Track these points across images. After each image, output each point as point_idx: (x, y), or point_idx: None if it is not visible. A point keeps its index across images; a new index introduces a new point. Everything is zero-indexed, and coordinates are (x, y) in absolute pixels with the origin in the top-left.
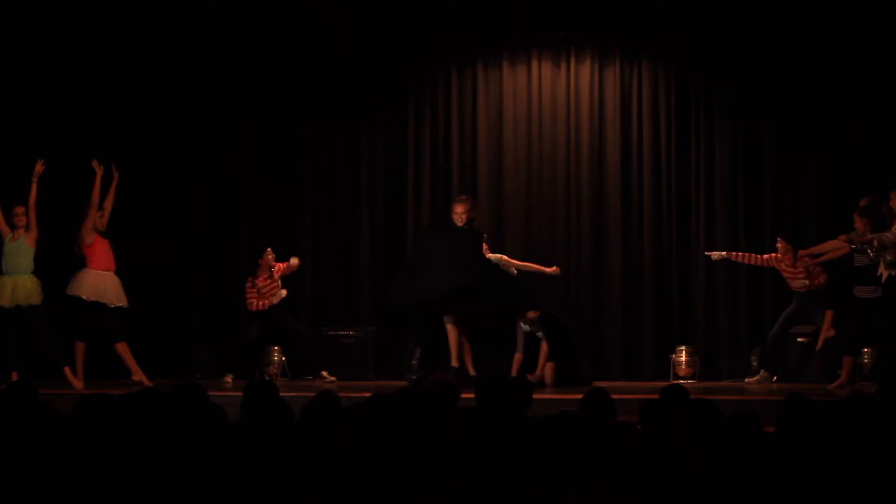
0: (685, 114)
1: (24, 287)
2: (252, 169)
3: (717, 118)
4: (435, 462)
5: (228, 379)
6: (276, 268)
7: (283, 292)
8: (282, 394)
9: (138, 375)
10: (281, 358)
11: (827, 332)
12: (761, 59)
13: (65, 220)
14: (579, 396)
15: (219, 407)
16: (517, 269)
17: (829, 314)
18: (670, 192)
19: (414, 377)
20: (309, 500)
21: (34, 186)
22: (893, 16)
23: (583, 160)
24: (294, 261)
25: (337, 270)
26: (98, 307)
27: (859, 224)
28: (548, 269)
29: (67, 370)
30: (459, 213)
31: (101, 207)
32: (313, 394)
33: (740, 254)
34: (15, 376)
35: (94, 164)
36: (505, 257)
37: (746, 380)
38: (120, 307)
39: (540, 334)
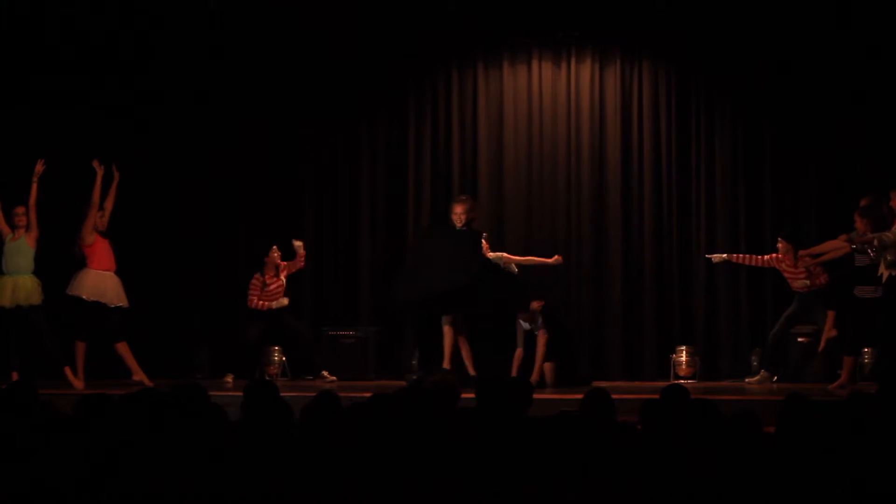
0: (685, 114)
1: (24, 287)
2: (252, 169)
3: (718, 118)
4: (435, 462)
5: (229, 379)
6: (283, 266)
7: (285, 301)
8: (282, 394)
9: (139, 375)
10: (281, 358)
11: (829, 332)
12: (761, 59)
13: (65, 220)
14: (579, 396)
15: (219, 407)
16: (519, 266)
17: (830, 315)
18: (671, 192)
19: (414, 377)
20: (309, 500)
21: (34, 186)
22: (893, 16)
23: (583, 160)
24: (297, 243)
25: (337, 270)
26: (98, 307)
27: (860, 224)
28: (549, 260)
29: (68, 370)
30: (459, 213)
31: (101, 207)
32: (314, 394)
33: (741, 255)
34: (15, 376)
35: (95, 164)
36: (505, 255)
37: (747, 380)
38: (120, 307)
39: (540, 328)
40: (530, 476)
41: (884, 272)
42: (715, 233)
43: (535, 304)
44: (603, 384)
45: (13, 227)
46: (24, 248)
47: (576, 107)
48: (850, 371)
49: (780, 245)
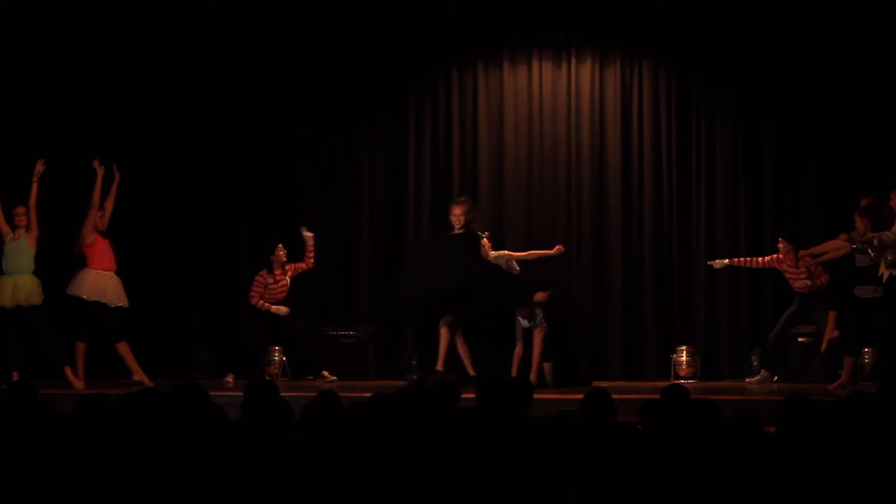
0: (686, 114)
1: (24, 287)
2: (252, 169)
3: (718, 118)
4: (435, 462)
5: (229, 379)
6: (289, 267)
7: (284, 309)
8: (282, 394)
9: (139, 375)
10: (282, 358)
11: (831, 333)
12: (761, 59)
13: (65, 220)
14: (579, 396)
15: (219, 407)
16: (522, 261)
17: (831, 315)
18: (671, 191)
19: (414, 377)
20: (309, 500)
21: (34, 186)
22: (893, 16)
23: (583, 160)
24: (307, 234)
25: (337, 270)
26: (99, 307)
27: (860, 224)
28: (551, 251)
29: (68, 370)
30: (457, 214)
31: (101, 207)
32: (314, 394)
33: (742, 259)
34: (15, 376)
35: (96, 164)
36: (507, 252)
37: (747, 380)
38: (120, 307)
39: (539, 325)
40: (530, 476)
41: (884, 272)
42: (715, 233)
43: (540, 296)
44: (603, 384)
45: (13, 227)
46: (24, 248)
47: (576, 107)
48: (850, 371)
49: (780, 245)
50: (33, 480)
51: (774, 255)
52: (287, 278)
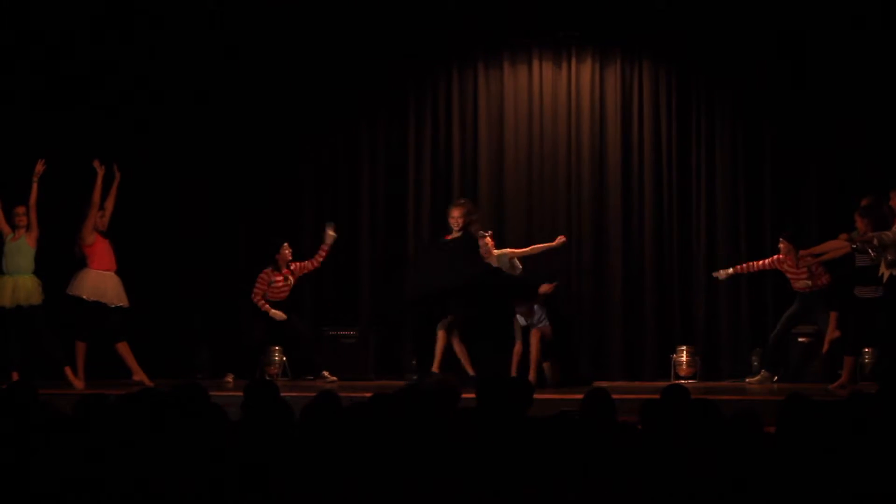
0: (686, 114)
1: (24, 287)
2: (252, 169)
3: (718, 118)
4: (435, 462)
5: (229, 378)
6: (295, 266)
7: (282, 315)
8: (282, 394)
9: (139, 375)
10: (282, 358)
11: (832, 333)
12: (761, 59)
13: (65, 220)
14: (579, 396)
15: (219, 407)
16: (525, 257)
17: (832, 316)
18: (671, 191)
19: (413, 377)
20: (309, 500)
21: (35, 186)
22: (893, 15)
23: (583, 160)
24: (331, 233)
25: (337, 270)
26: (99, 307)
27: (860, 224)
28: (553, 243)
29: (68, 370)
30: (456, 217)
31: (102, 207)
32: (314, 394)
33: (744, 266)
34: (15, 376)
35: (96, 164)
36: (509, 250)
37: (747, 380)
38: (120, 307)
39: (540, 321)
40: (530, 476)
41: (884, 272)
42: (715, 233)
43: (546, 287)
44: (603, 384)
45: (13, 227)
46: (24, 247)
47: (576, 107)
48: (850, 371)
49: (781, 245)
50: (33, 480)
51: (775, 256)
52: (292, 279)
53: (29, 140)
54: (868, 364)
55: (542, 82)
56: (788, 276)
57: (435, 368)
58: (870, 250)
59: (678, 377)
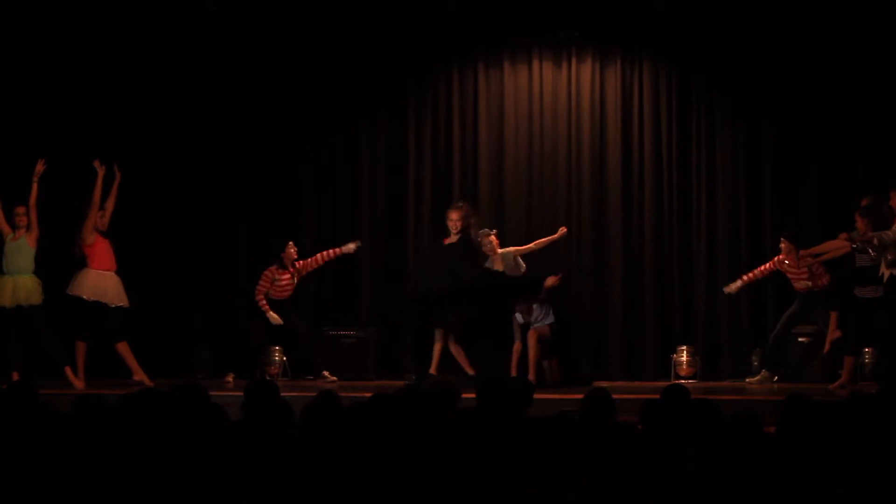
0: (686, 114)
1: (24, 287)
2: (252, 169)
3: (718, 118)
4: (435, 462)
5: (230, 378)
6: (300, 265)
7: (277, 319)
8: (283, 394)
9: (139, 375)
10: (282, 358)
11: (833, 333)
12: (761, 59)
13: (65, 220)
14: (579, 396)
15: (219, 407)
16: (528, 253)
17: (833, 316)
18: (671, 191)
19: (412, 377)
20: (309, 499)
21: (35, 186)
22: (893, 15)
23: (584, 160)
24: (351, 245)
25: (337, 270)
26: (99, 307)
27: (860, 223)
28: (555, 235)
29: (68, 370)
30: (454, 220)
31: (102, 207)
32: (314, 394)
33: (751, 274)
34: (16, 376)
35: (96, 164)
36: (513, 249)
37: (747, 380)
38: (121, 307)
39: (538, 319)
40: (530, 476)
41: (885, 272)
42: (715, 233)
43: (551, 280)
44: (603, 384)
45: (14, 227)
46: (24, 247)
47: (576, 107)
48: (850, 371)
49: (782, 245)
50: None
51: (777, 258)
52: (295, 279)
53: (29, 140)
54: (868, 364)
55: (542, 82)
56: (789, 276)
57: (432, 370)
58: (870, 250)
59: (678, 377)
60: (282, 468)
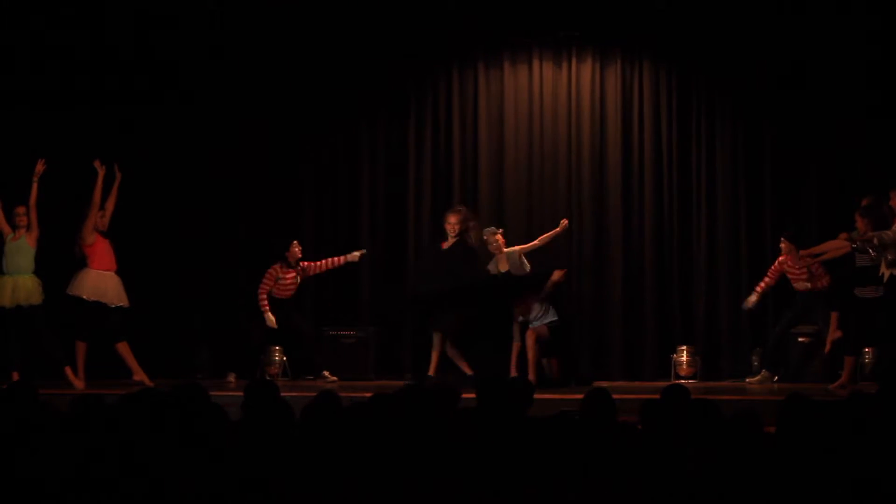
0: (686, 114)
1: (24, 287)
2: (252, 169)
3: (719, 118)
4: (435, 462)
5: (231, 378)
6: (305, 265)
7: (273, 323)
8: (283, 394)
9: (139, 375)
10: (282, 358)
11: (833, 333)
12: (761, 59)
13: (65, 220)
14: (579, 396)
15: (220, 407)
16: (531, 251)
17: (833, 316)
18: (671, 191)
19: (411, 376)
20: (309, 500)
21: (35, 186)
22: (893, 15)
23: (584, 160)
24: (356, 253)
25: (337, 270)
26: (99, 307)
27: (861, 223)
28: (557, 229)
29: (69, 370)
30: (452, 223)
31: (102, 207)
32: (314, 394)
33: (763, 284)
34: (15, 376)
35: (97, 164)
36: (517, 248)
37: (747, 380)
38: (121, 307)
39: (537, 318)
40: (530, 476)
41: (885, 272)
42: (715, 233)
43: (557, 274)
44: (603, 384)
45: (14, 227)
46: (24, 247)
47: (576, 107)
48: (850, 371)
49: (783, 245)
50: (33, 480)
51: (778, 259)
52: (299, 279)
53: (29, 140)
54: (868, 364)
55: (542, 82)
56: (789, 276)
57: (431, 372)
58: (870, 250)
59: (678, 377)
60: (282, 468)
